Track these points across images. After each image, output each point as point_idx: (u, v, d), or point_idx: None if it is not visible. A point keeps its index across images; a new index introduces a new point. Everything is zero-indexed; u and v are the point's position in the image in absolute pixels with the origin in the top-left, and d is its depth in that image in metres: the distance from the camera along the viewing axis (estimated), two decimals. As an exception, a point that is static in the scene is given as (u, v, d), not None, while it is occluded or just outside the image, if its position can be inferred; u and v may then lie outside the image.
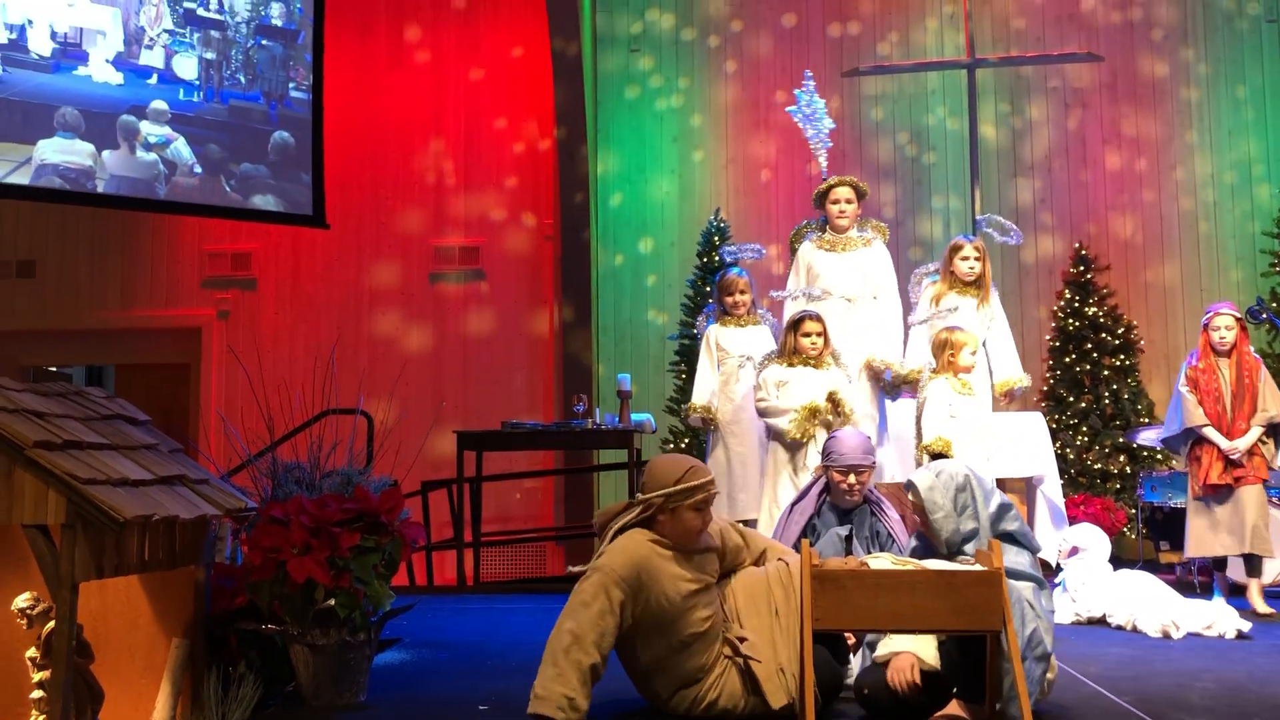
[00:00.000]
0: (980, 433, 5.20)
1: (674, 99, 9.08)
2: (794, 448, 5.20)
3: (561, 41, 8.61)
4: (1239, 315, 5.55)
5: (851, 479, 4.04)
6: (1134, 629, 4.82)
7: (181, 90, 7.84)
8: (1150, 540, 6.94)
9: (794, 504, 4.25)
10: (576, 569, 3.27)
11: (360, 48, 9.13)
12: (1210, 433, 5.45)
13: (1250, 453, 5.42)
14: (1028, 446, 5.76)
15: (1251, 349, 5.57)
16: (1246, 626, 4.65)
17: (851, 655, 3.58)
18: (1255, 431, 5.41)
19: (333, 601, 3.38)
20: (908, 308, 5.91)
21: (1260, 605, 5.29)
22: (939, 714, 3.16)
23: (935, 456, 5.02)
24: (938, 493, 3.27)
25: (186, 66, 7.89)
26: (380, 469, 5.22)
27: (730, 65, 9.07)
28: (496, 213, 9.03)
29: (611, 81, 9.08)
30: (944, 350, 5.23)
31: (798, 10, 9.05)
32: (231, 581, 3.57)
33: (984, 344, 5.63)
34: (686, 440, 7.85)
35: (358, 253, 9.00)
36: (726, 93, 9.05)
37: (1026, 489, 5.75)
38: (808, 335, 5.29)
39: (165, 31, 7.79)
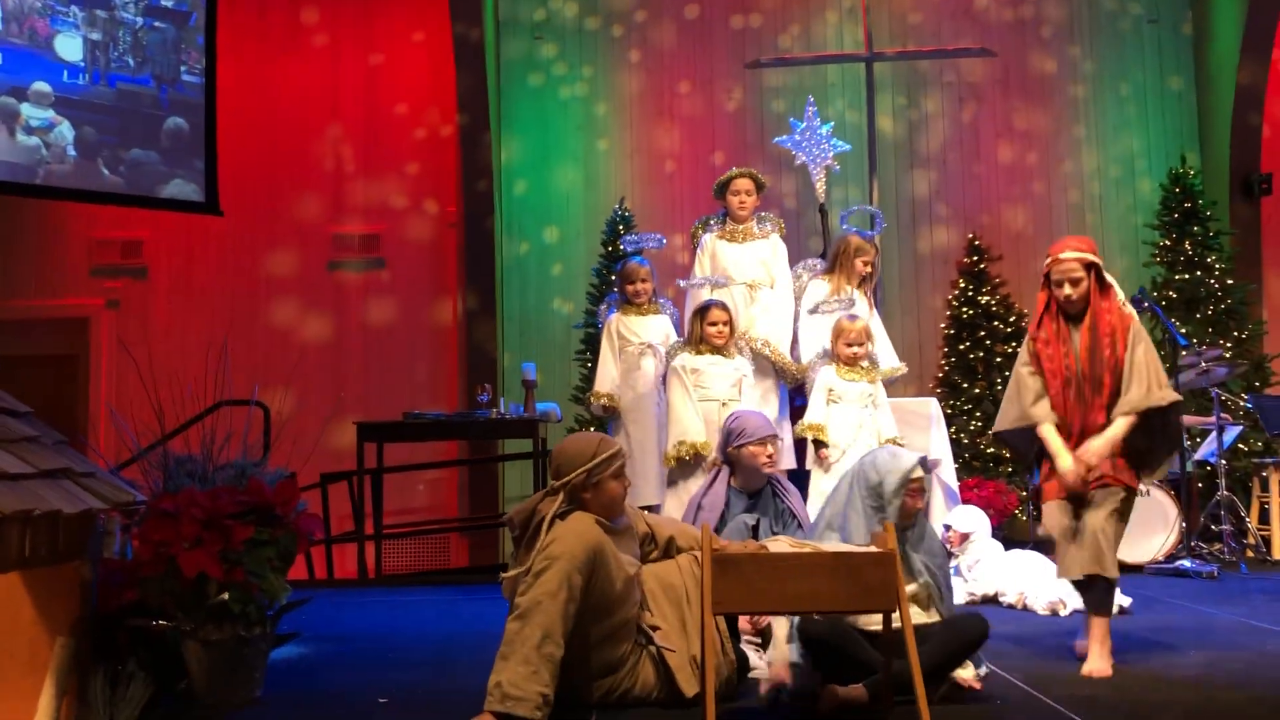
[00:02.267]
0: (876, 418, 5.29)
1: (578, 87, 9.05)
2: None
3: (463, 27, 8.51)
4: (1091, 259, 3.80)
5: (770, 448, 4.14)
6: (1024, 607, 4.98)
7: (65, 72, 7.53)
8: (1040, 522, 7.16)
9: (701, 499, 4.28)
10: (511, 573, 3.20)
11: (255, 31, 8.90)
12: (1048, 436, 3.80)
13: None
14: (924, 433, 5.87)
15: (1122, 300, 3.87)
16: (1128, 602, 4.83)
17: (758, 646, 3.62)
18: (1118, 426, 3.72)
19: (226, 596, 3.30)
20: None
21: (1096, 663, 3.63)
22: (842, 692, 3.21)
23: (811, 441, 5.15)
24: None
25: (70, 47, 7.58)
26: (277, 461, 5.08)
27: (634, 55, 9.07)
28: (397, 200, 8.90)
29: (515, 68, 9.01)
30: (835, 338, 5.34)
31: (700, 1, 9.09)
32: (121, 577, 3.45)
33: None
34: (592, 428, 7.83)
35: (253, 241, 8.78)
36: (631, 82, 9.06)
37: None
38: (714, 324, 5.35)
39: (48, 10, 7.48)
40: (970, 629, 3.37)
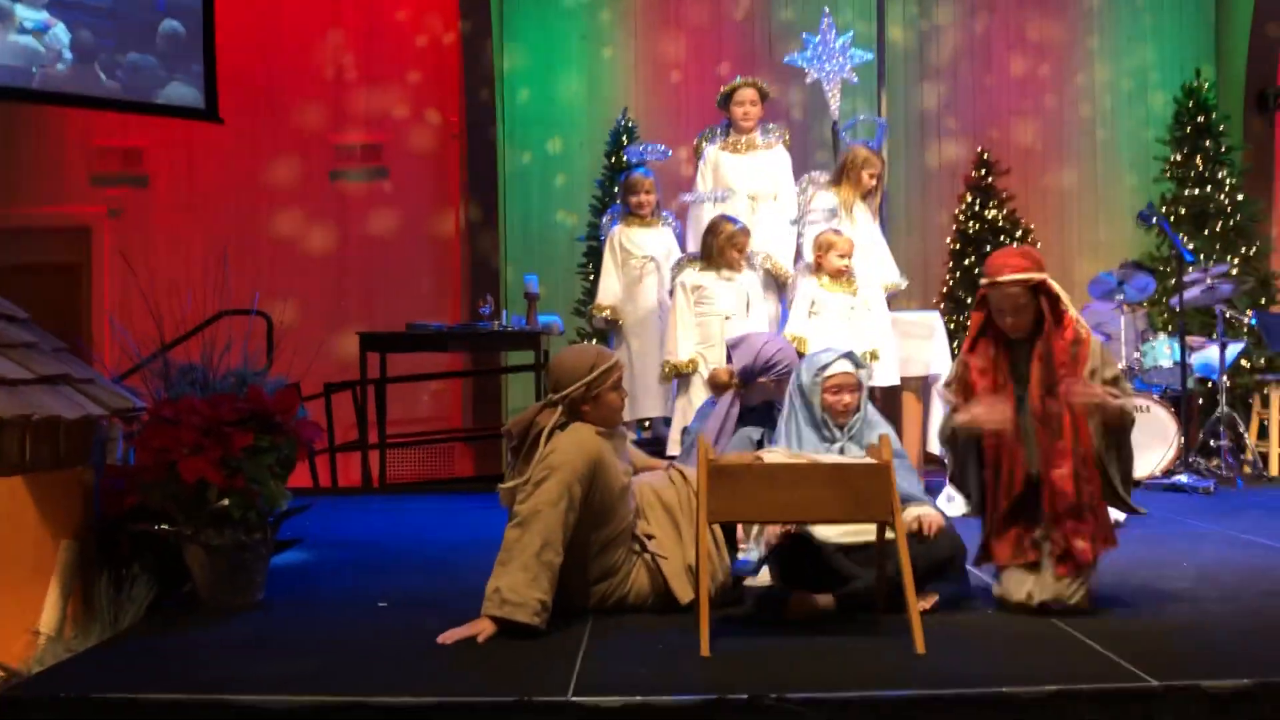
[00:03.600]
0: (860, 332, 5.29)
1: (582, -7, 8.87)
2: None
3: (465, -69, 8.30)
4: (1036, 278, 3.15)
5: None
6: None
7: (60, -28, 7.37)
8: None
9: (706, 414, 4.29)
10: (509, 483, 3.21)
11: (254, -68, 8.68)
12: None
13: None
14: (927, 346, 5.88)
15: (1076, 316, 3.19)
16: (1122, 517, 4.82)
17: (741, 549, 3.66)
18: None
19: (226, 502, 3.33)
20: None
21: None
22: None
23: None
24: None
25: (64, -53, 7.41)
26: (279, 371, 5.11)
27: (640, -39, 8.86)
28: (399, 109, 8.77)
29: (518, -26, 8.82)
30: (818, 250, 5.34)
31: (708, -96, 8.84)
32: (122, 483, 3.49)
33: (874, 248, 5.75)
34: (594, 341, 7.82)
35: (254, 150, 8.67)
36: (637, -11, 8.86)
37: (923, 387, 5.88)
38: (740, 250, 5.32)
39: (39, -92, 7.28)
40: (939, 548, 3.29)
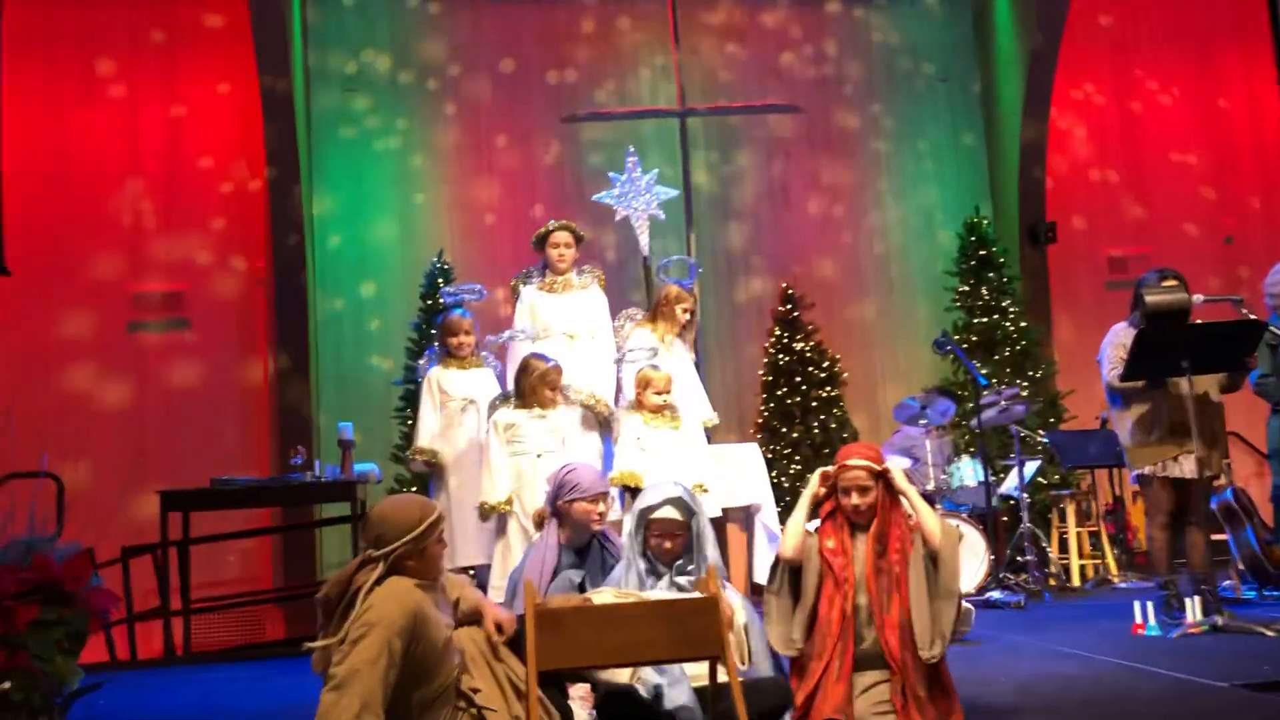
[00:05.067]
0: (686, 464, 5.36)
1: (393, 140, 8.96)
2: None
3: (271, 78, 8.31)
4: (879, 467, 3.45)
5: (601, 506, 4.11)
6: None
7: None
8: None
9: (528, 556, 4.21)
10: (317, 644, 3.04)
11: (45, 79, 8.46)
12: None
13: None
14: (746, 477, 5.99)
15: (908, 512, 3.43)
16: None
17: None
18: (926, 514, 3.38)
19: (7, 685, 3.04)
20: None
21: None
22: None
23: (625, 489, 5.21)
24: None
25: None
26: (71, 536, 4.78)
27: (450, 108, 9.06)
28: (202, 256, 8.56)
29: (326, 121, 8.86)
30: (641, 387, 5.42)
31: (515, 56, 9.15)
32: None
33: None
34: (414, 488, 7.66)
35: (44, 301, 8.27)
36: (447, 135, 9.03)
37: (745, 517, 5.97)
38: (553, 388, 5.33)
39: None
40: (767, 695, 3.24)
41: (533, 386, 5.32)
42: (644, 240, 6.70)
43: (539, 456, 5.22)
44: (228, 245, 8.62)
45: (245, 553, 8.22)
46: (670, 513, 3.52)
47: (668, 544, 3.51)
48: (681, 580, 3.52)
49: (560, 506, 4.17)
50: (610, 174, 6.94)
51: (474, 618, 3.39)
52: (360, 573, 3.11)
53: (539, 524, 4.44)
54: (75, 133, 8.48)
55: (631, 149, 6.90)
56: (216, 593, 7.56)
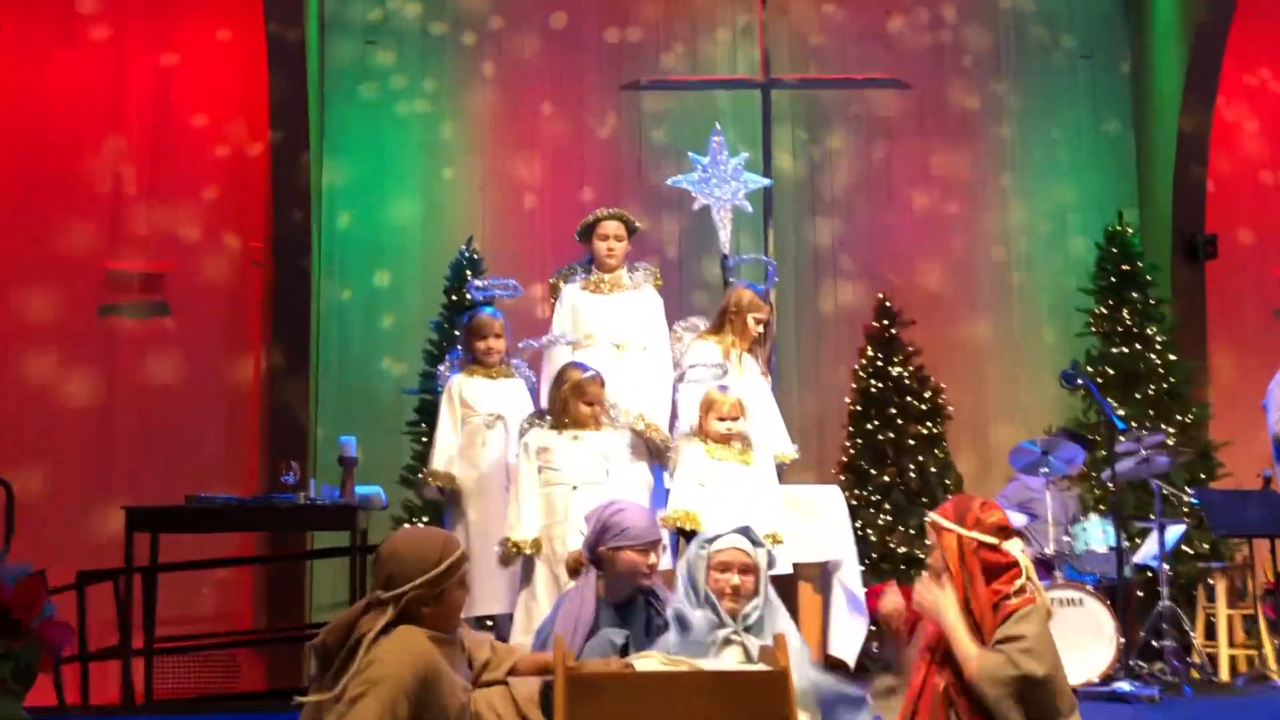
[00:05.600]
0: (755, 507, 5.30)
1: (419, 103, 9.03)
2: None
3: (280, 26, 8.40)
4: (947, 523, 3.67)
5: (653, 556, 4.10)
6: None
7: None
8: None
9: (560, 608, 4.19)
10: (309, 699, 3.04)
11: (19, 15, 8.62)
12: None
13: None
14: (824, 526, 5.93)
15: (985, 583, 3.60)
16: None
17: None
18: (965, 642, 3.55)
19: (-66, 730, 3.07)
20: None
21: None
22: None
23: (679, 533, 5.16)
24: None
25: None
26: (21, 554, 4.85)
27: (489, 68, 9.11)
28: (190, 231, 8.66)
29: (343, 77, 8.95)
30: (704, 411, 5.37)
31: (569, 9, 9.18)
32: None
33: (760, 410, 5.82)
34: (426, 518, 7.70)
35: (4, 276, 8.41)
36: (484, 100, 9.07)
37: (822, 575, 5.91)
38: (592, 404, 5.32)
39: None
40: None
41: (564, 400, 5.31)
42: (725, 236, 6.73)
43: (576, 489, 5.22)
44: (220, 219, 8.71)
45: (223, 585, 8.27)
46: (738, 541, 3.54)
47: (736, 579, 3.53)
48: (750, 642, 3.49)
49: (602, 553, 4.16)
50: (691, 154, 6.91)
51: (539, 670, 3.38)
52: (365, 618, 3.12)
53: (573, 571, 4.42)
54: (49, 81, 8.61)
55: (718, 126, 6.90)
56: (186, 631, 7.62)
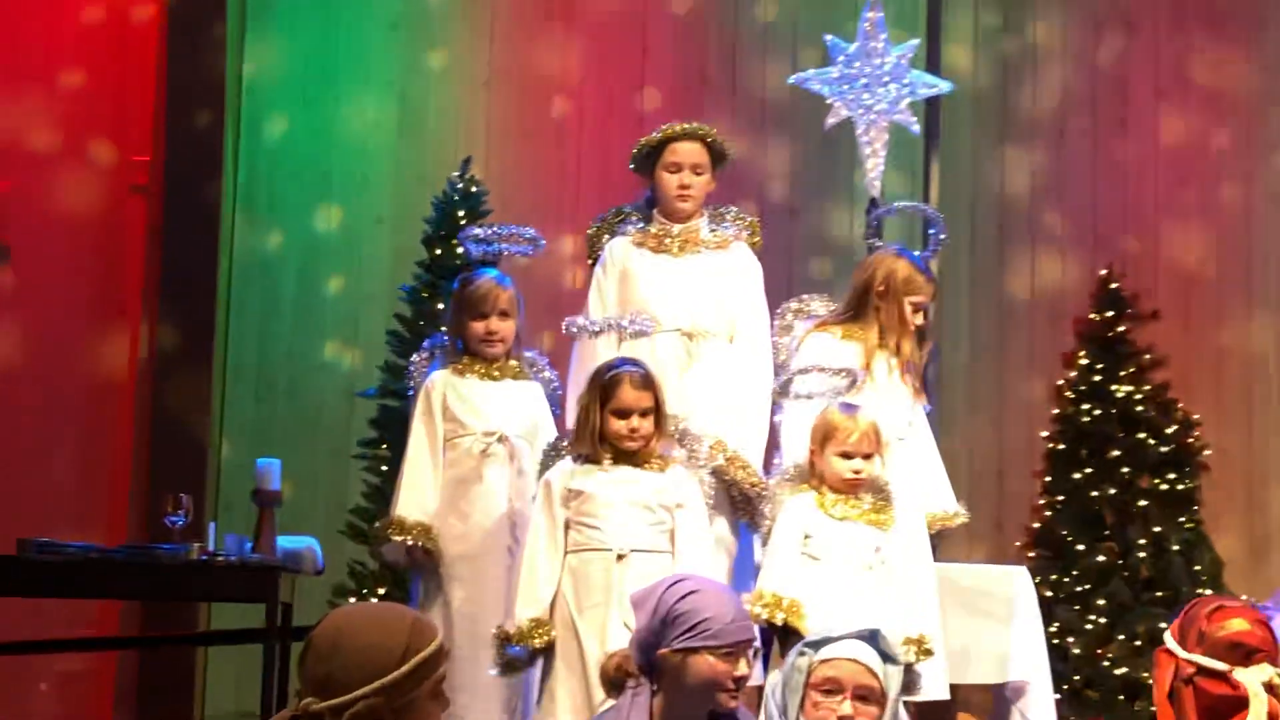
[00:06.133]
0: (897, 597, 5.31)
1: (394, -49, 9.11)
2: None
3: None
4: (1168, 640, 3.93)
5: (742, 667, 4.10)
6: None
7: None
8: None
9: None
10: None
11: None
12: None
13: None
14: (1002, 630, 5.94)
15: None
16: None
17: None
18: None
19: None
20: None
21: None
22: None
23: (772, 629, 5.15)
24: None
25: None
26: None
27: (498, -100, 9.17)
28: (38, 136, 8.79)
29: (278, -91, 9.05)
30: (819, 443, 5.36)
31: None
32: None
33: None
34: (383, 589, 7.76)
35: None
36: (489, -51, 9.14)
37: (995, 703, 5.92)
38: (625, 414, 5.35)
39: None
40: None
41: (584, 410, 5.36)
42: (876, 170, 6.64)
43: (622, 557, 5.24)
44: (85, 119, 8.82)
45: (71, 681, 8.38)
46: (860, 652, 3.58)
47: (848, 708, 3.58)
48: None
49: (664, 657, 4.16)
50: (828, 38, 6.89)
51: None
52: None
53: (613, 684, 4.42)
54: None
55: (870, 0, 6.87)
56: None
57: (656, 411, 5.37)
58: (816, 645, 3.62)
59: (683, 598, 4.13)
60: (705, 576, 4.43)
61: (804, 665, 3.61)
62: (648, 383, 5.37)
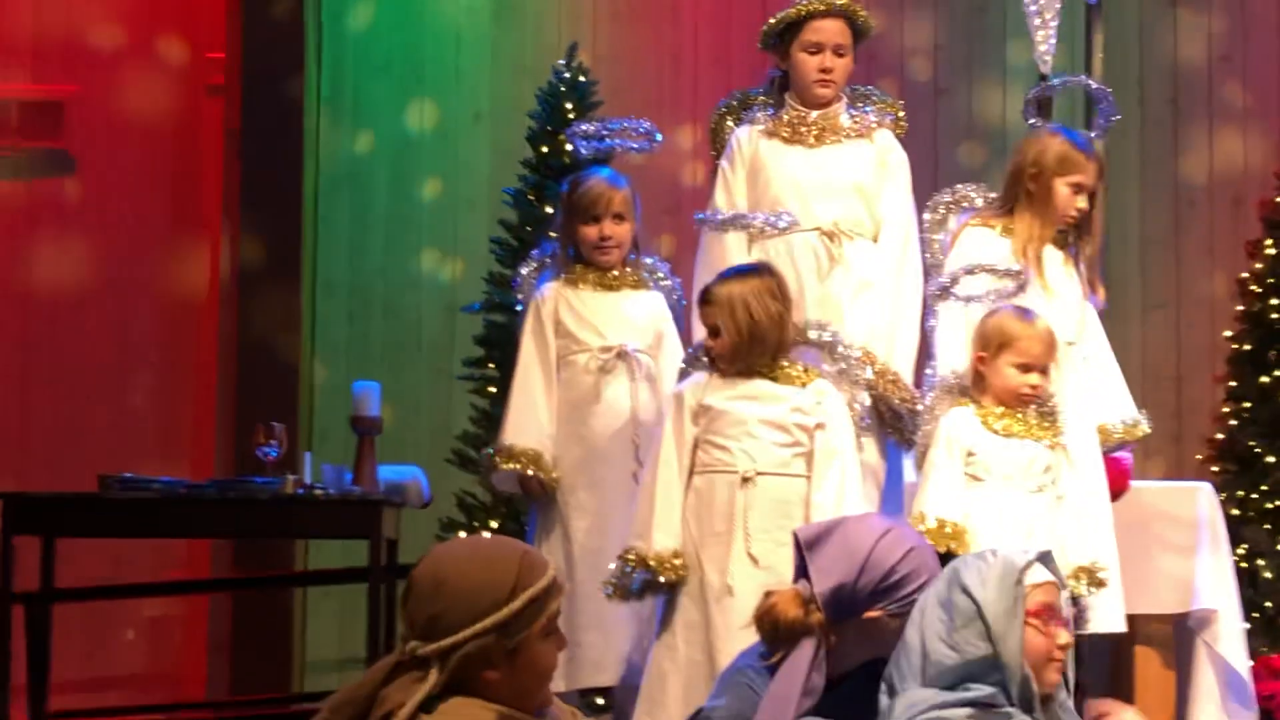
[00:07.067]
0: (1068, 521, 5.25)
1: None
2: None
3: None
4: None
5: None
6: None
7: None
8: None
9: (741, 690, 4.18)
10: None
11: None
12: None
13: None
14: (1184, 554, 5.87)
15: None
16: None
17: None
18: None
19: None
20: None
21: None
22: None
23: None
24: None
25: None
26: None
27: None
28: (103, 34, 8.82)
29: None
30: (993, 351, 5.33)
31: None
32: None
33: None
34: (495, 523, 7.78)
35: None
36: None
37: (1176, 635, 5.86)
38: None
39: None
40: None
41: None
42: (1046, 41, 6.54)
43: (749, 480, 5.23)
44: (154, 13, 8.86)
45: (159, 627, 8.51)
46: (1047, 575, 3.62)
47: (1065, 638, 3.63)
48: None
49: (876, 622, 4.09)
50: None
51: None
52: (393, 686, 3.17)
53: (779, 630, 4.34)
54: None
55: None
56: (99, 699, 7.84)
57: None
58: (1024, 568, 3.60)
59: (905, 556, 4.07)
60: (897, 520, 4.38)
61: (1020, 591, 3.58)
62: (779, 284, 5.37)
